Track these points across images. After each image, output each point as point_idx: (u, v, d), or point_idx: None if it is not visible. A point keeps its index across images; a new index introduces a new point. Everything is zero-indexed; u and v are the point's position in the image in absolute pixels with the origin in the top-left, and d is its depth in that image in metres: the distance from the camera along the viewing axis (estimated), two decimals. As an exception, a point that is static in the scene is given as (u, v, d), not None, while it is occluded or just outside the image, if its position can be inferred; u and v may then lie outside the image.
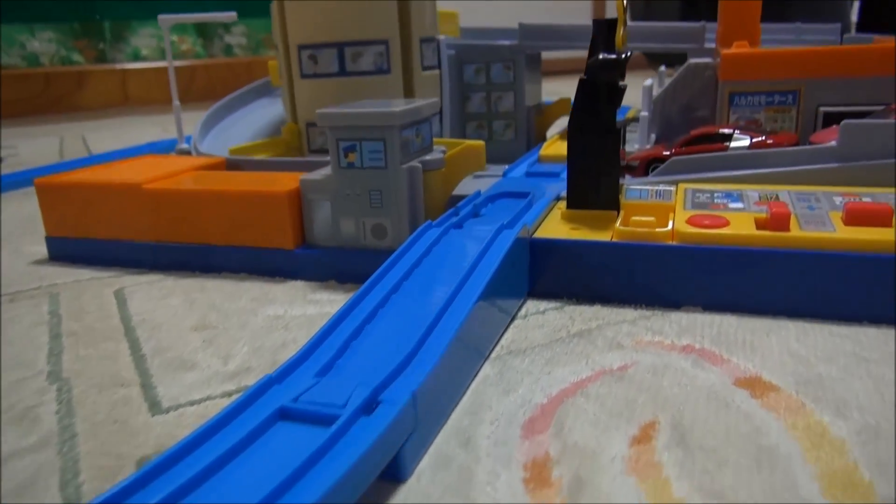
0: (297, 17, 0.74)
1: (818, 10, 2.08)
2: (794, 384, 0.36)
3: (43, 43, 2.62)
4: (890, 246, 0.42)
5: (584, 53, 0.53)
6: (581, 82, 0.51)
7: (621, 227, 0.48)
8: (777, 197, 0.51)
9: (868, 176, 0.52)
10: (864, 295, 0.43)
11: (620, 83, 0.52)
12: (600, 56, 0.50)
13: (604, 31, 0.50)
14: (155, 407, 0.37)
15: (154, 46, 2.75)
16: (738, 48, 0.66)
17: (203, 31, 2.73)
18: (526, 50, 0.88)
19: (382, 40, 0.72)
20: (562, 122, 0.97)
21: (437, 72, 0.85)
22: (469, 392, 0.37)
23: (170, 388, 0.39)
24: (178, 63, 2.68)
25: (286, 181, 0.58)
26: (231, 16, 0.80)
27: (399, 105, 0.54)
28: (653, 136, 0.74)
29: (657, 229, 0.47)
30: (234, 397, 0.35)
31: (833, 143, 0.53)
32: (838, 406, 0.34)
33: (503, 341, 0.43)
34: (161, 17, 0.78)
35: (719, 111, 0.65)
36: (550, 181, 0.65)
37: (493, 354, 0.41)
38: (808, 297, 0.44)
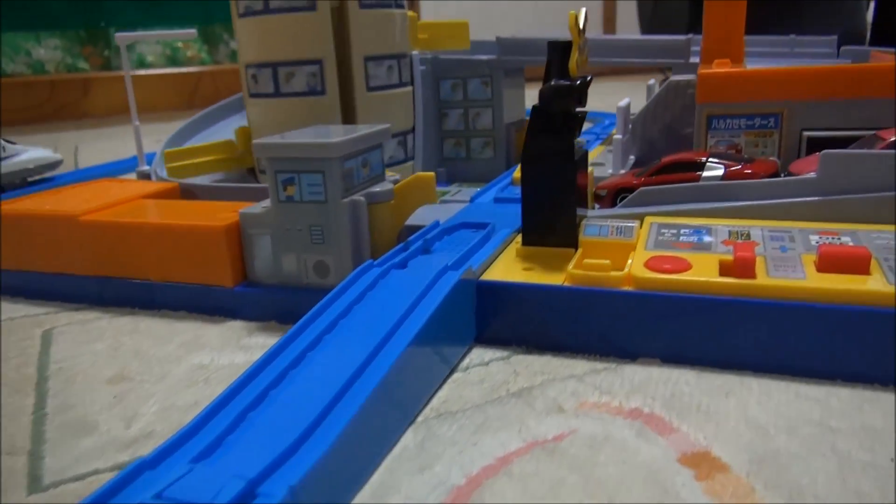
0: (242, 36, 0.71)
1: (831, 12, 2.03)
2: (747, 462, 0.32)
3: (48, 50, 2.62)
4: (864, 297, 0.38)
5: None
6: (533, 110, 0.47)
7: (573, 270, 0.44)
8: (748, 235, 0.46)
9: (851, 211, 0.47)
10: (836, 351, 0.38)
11: (578, 110, 0.48)
12: (552, 83, 0.46)
13: (558, 54, 0.46)
14: (35, 483, 0.33)
15: (160, 53, 2.74)
16: (718, 67, 0.62)
17: (208, 36, 2.72)
18: (504, 65, 0.84)
19: (315, 60, 0.69)
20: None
21: (409, 89, 0.82)
22: (382, 467, 0.33)
23: (59, 458, 0.35)
24: (183, 70, 2.68)
25: (227, 214, 0.54)
26: (191, 33, 0.77)
27: (339, 134, 0.50)
28: (631, 159, 0.70)
29: (612, 273, 0.43)
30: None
31: (812, 174, 0.48)
32: (791, 494, 0.30)
33: (435, 400, 0.39)
34: (118, 35, 0.75)
35: (697, 135, 0.60)
36: (518, 208, 0.61)
37: (421, 417, 0.37)
38: (775, 351, 0.40)
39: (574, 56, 0.45)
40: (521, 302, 0.45)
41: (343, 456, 0.31)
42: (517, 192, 0.72)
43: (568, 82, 0.45)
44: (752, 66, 0.77)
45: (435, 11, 2.92)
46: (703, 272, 0.42)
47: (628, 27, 3.04)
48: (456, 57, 0.87)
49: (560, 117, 0.46)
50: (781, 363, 0.40)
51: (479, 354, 0.45)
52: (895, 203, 0.46)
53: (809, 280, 0.39)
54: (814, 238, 0.45)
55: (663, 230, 0.49)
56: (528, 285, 0.45)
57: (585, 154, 0.51)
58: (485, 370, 0.42)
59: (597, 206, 0.59)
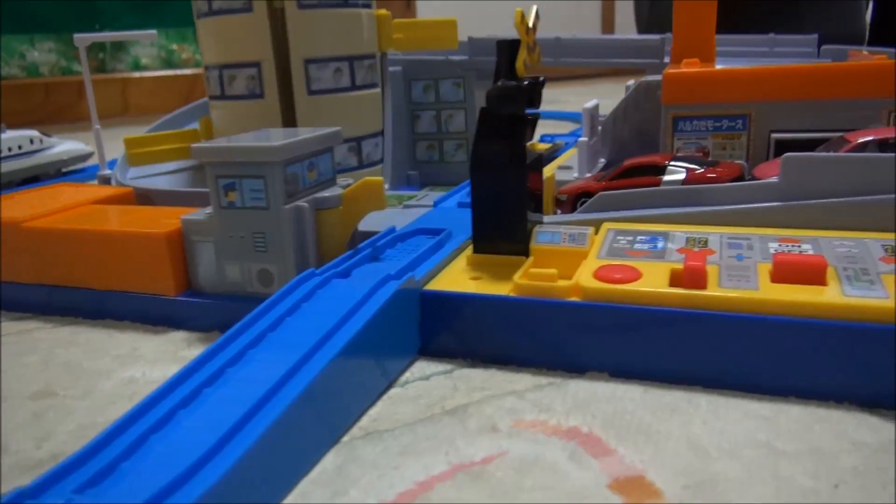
0: (199, 37, 0.70)
1: (830, 14, 2.00)
2: (681, 488, 0.30)
3: (43, 53, 2.61)
4: (816, 309, 0.36)
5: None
6: (481, 112, 0.45)
7: (519, 280, 0.42)
8: (706, 242, 0.44)
9: (814, 217, 0.45)
10: (788, 366, 0.36)
11: (530, 112, 0.46)
12: (499, 84, 0.44)
13: (505, 54, 0.44)
14: (-73, 508, 0.31)
15: (154, 55, 2.73)
16: (686, 66, 0.60)
17: (204, 38, 2.70)
18: (476, 65, 0.82)
19: (253, 63, 0.67)
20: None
21: (366, 92, 0.80)
22: (295, 492, 0.31)
23: (-41, 481, 0.33)
24: (178, 72, 2.67)
25: (172, 220, 0.52)
26: (151, 34, 0.75)
27: (283, 138, 0.48)
28: (602, 162, 0.68)
29: (558, 283, 0.41)
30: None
31: (775, 178, 0.46)
32: (724, 525, 0.28)
33: (365, 418, 0.37)
34: (77, 36, 0.73)
35: (663, 138, 0.58)
36: None
37: (347, 437, 0.35)
38: (725, 366, 0.38)
39: (522, 56, 0.43)
40: (466, 313, 0.43)
41: (247, 481, 0.29)
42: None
43: (514, 83, 0.43)
44: (726, 66, 0.75)
45: (435, 12, 2.91)
46: (652, 282, 0.40)
47: (628, 28, 3.03)
48: (427, 58, 0.85)
49: (509, 120, 0.44)
50: (733, 379, 0.38)
51: (421, 368, 0.43)
52: (864, 208, 0.44)
53: (761, 291, 0.37)
54: (773, 246, 0.43)
55: (619, 237, 0.47)
56: (472, 296, 0.43)
57: (539, 157, 0.49)
58: (424, 385, 0.40)
59: (559, 211, 0.57)
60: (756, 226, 0.46)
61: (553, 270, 0.41)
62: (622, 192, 0.50)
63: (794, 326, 0.36)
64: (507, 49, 0.44)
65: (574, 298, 0.41)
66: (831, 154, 0.45)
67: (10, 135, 0.99)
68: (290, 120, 0.68)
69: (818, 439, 0.33)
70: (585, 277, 0.41)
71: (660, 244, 0.45)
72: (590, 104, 0.62)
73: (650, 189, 0.50)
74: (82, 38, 0.73)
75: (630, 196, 0.50)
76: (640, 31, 2.52)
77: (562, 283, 0.41)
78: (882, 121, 0.52)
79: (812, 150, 0.51)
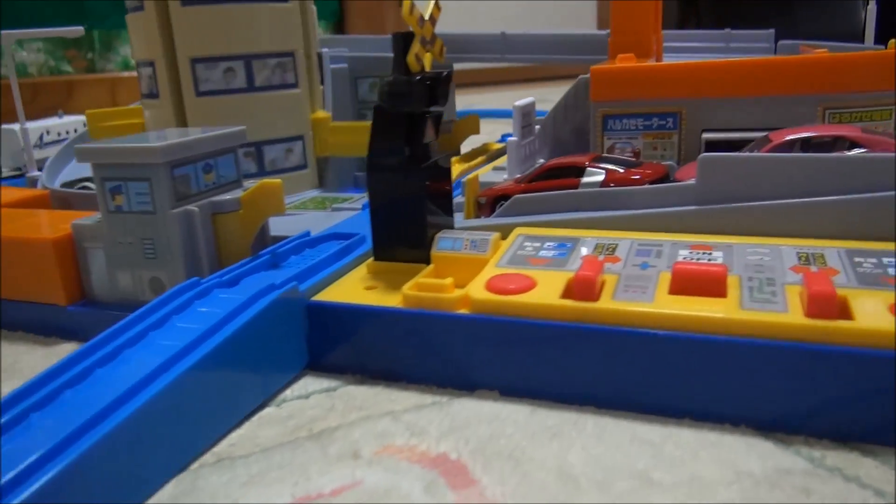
0: None
1: (825, 12, 1.97)
2: (537, 527, 0.27)
3: (31, 53, 2.59)
4: (710, 324, 0.33)
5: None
6: (375, 109, 0.42)
7: (408, 291, 0.39)
8: (615, 249, 0.41)
9: (731, 221, 0.42)
10: (681, 386, 0.33)
11: (430, 110, 0.44)
12: (389, 79, 0.41)
13: (399, 47, 0.41)
14: None
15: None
16: (621, 62, 0.57)
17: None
18: (422, 63, 0.79)
19: (149, 61, 0.64)
20: (473, 141, 0.88)
21: (291, 92, 0.77)
22: (118, 529, 0.28)
23: None
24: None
25: (65, 225, 0.49)
26: (77, 31, 0.72)
27: (173, 138, 0.45)
28: (539, 162, 0.65)
29: (446, 294, 0.38)
30: None
31: (692, 180, 0.43)
32: (569, 571, 0.25)
33: (223, 442, 0.34)
34: (4, 32, 0.71)
35: (593, 137, 0.55)
36: None
37: (196, 464, 0.33)
38: (617, 385, 0.35)
39: (413, 50, 0.40)
40: (354, 326, 0.40)
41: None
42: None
43: (405, 79, 0.40)
44: (668, 62, 0.72)
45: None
46: (544, 293, 0.37)
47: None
48: (372, 55, 0.82)
49: (404, 118, 0.42)
50: (625, 399, 0.35)
51: (305, 384, 0.40)
52: (782, 212, 0.41)
53: (655, 303, 0.34)
54: (683, 253, 0.40)
55: (527, 243, 0.44)
56: (359, 307, 0.40)
57: (446, 157, 0.46)
58: (300, 405, 0.38)
59: (482, 216, 0.54)
60: (673, 231, 0.43)
61: (443, 280, 0.38)
62: (537, 195, 0.47)
63: (686, 342, 0.33)
64: (401, 42, 0.41)
65: (463, 311, 0.38)
66: (748, 154, 0.41)
67: (69, 119, 1.06)
68: (182, 122, 0.65)
69: (701, 468, 0.30)
70: (476, 288, 0.38)
71: (566, 251, 0.42)
72: (522, 102, 0.59)
73: (565, 192, 0.47)
74: (9, 35, 0.71)
75: (545, 199, 0.47)
76: None
77: (450, 294, 0.38)
78: (818, 117, 0.49)
79: (738, 147, 0.49)
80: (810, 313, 0.32)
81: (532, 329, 0.36)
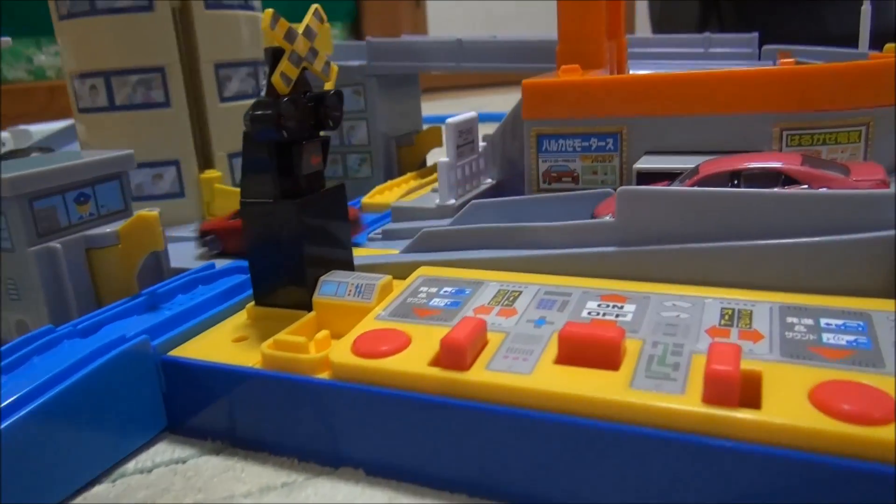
0: (64, 42, 0.66)
1: (852, 10, 1.87)
2: None
3: (49, 56, 2.59)
4: (589, 407, 0.27)
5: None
6: (244, 136, 0.37)
7: (266, 350, 0.34)
8: (515, 298, 0.36)
9: (654, 266, 0.36)
10: (561, 474, 0.28)
11: (323, 133, 0.38)
12: (255, 101, 0.35)
13: (270, 65, 0.36)
14: None
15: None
16: (563, 74, 0.51)
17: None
18: (376, 70, 0.74)
19: (156, 68, 0.61)
20: (437, 154, 0.82)
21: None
22: None
23: None
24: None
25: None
26: (5, 41, 0.68)
27: (34, 166, 0.41)
28: (487, 182, 0.59)
29: (304, 356, 0.33)
30: None
31: (610, 217, 0.37)
32: None
33: (27, 533, 0.29)
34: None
35: (527, 159, 0.49)
36: None
37: (-18, 563, 0.28)
38: (487, 470, 0.29)
39: (281, 67, 0.35)
40: (211, 387, 0.35)
41: None
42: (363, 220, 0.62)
43: (270, 101, 0.35)
44: (637, 71, 0.65)
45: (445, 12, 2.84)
46: (413, 358, 0.31)
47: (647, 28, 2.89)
48: (339, 62, 0.76)
49: (274, 147, 0.36)
50: (498, 486, 0.29)
51: (155, 453, 0.35)
52: (709, 255, 0.35)
53: (532, 377, 0.29)
54: (591, 305, 0.34)
55: (423, 288, 0.38)
56: (214, 367, 0.35)
57: (340, 187, 0.41)
58: (137, 481, 0.33)
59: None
60: (593, 273, 0.37)
61: (300, 339, 0.33)
62: (447, 228, 0.42)
63: (561, 426, 0.27)
64: (271, 59, 0.36)
65: (324, 375, 0.32)
66: (671, 189, 0.35)
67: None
68: (201, 131, 0.62)
69: None
70: (339, 349, 0.32)
71: (461, 299, 0.36)
72: (457, 118, 0.53)
73: (477, 227, 0.41)
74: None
75: (454, 234, 0.41)
76: (654, 31, 2.43)
77: (309, 355, 0.33)
78: (774, 139, 0.42)
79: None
80: (707, 398, 0.26)
81: (395, 401, 0.30)
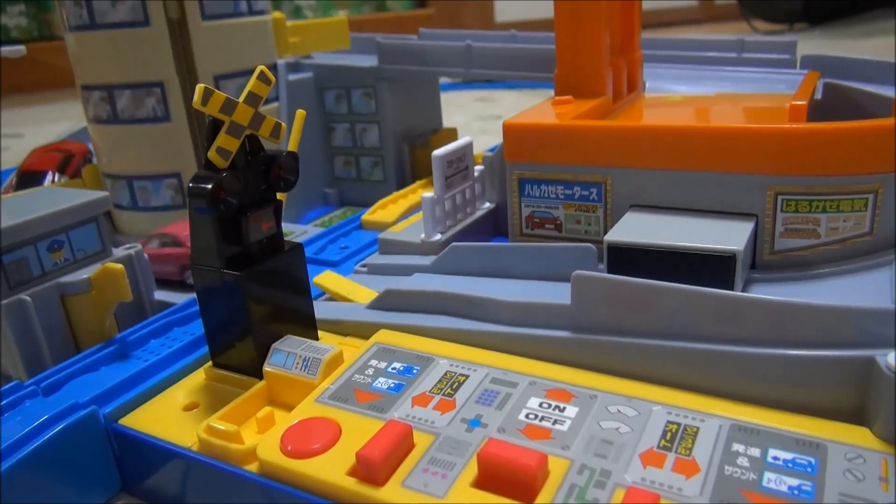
0: (73, 51, 0.66)
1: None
2: None
3: (14, 17, 2.47)
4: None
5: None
6: (189, 206, 0.36)
7: (201, 434, 0.33)
8: (459, 385, 0.34)
9: (607, 359, 0.33)
10: None
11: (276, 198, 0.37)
12: (196, 174, 0.34)
13: (208, 138, 0.34)
14: None
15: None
16: (556, 106, 0.47)
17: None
18: (386, 73, 0.72)
19: (155, 83, 0.62)
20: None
21: (274, 105, 0.71)
22: None
23: None
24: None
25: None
26: (18, 50, 0.69)
27: (9, 217, 0.41)
28: (486, 206, 0.57)
29: (233, 446, 0.32)
30: None
31: (566, 301, 0.35)
32: None
33: None
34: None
35: (509, 202, 0.46)
36: (339, 273, 0.50)
37: None
38: (398, 593, 0.28)
39: (218, 142, 0.34)
40: (155, 460, 0.35)
41: None
42: (359, 241, 0.61)
43: (206, 175, 0.34)
44: (656, 86, 0.61)
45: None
46: (334, 461, 0.30)
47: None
48: (334, 63, 0.74)
49: (216, 221, 0.35)
50: None
51: (104, 519, 0.36)
52: (658, 353, 0.32)
53: (446, 501, 0.27)
54: (533, 404, 0.32)
55: (373, 361, 0.37)
56: (153, 442, 0.35)
57: (297, 247, 0.39)
58: (78, 555, 0.34)
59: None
60: (545, 356, 0.35)
61: (231, 428, 0.33)
62: (408, 289, 0.40)
63: (464, 567, 0.26)
64: (210, 131, 0.34)
65: (252, 467, 0.32)
66: (627, 279, 0.32)
67: None
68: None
69: None
70: (267, 443, 0.32)
71: (406, 381, 0.35)
72: (446, 148, 0.50)
73: (434, 290, 0.39)
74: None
75: (415, 295, 0.40)
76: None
77: (238, 445, 0.32)
78: (767, 202, 0.38)
79: (661, 260, 0.38)
80: (609, 561, 0.24)
81: (310, 508, 0.30)
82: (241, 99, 0.34)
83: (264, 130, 0.36)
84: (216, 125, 0.34)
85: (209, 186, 0.33)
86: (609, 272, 0.39)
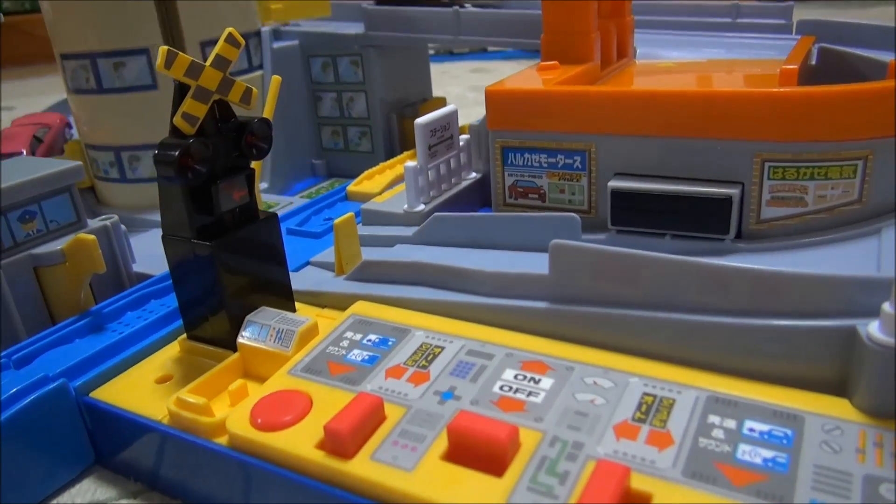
0: (51, 20, 0.62)
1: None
2: None
3: None
4: (457, 525, 0.25)
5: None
6: (157, 177, 0.35)
7: (171, 406, 0.33)
8: (434, 356, 0.33)
9: (585, 329, 0.33)
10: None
11: (243, 167, 0.36)
12: (163, 140, 0.33)
13: (174, 102, 0.33)
14: None
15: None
16: (541, 72, 0.46)
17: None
18: (374, 41, 0.70)
19: (141, 49, 0.60)
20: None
21: (259, 73, 0.70)
22: None
23: None
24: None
25: None
26: (-5, 17, 0.67)
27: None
28: (472, 176, 0.56)
29: (203, 419, 0.32)
30: None
31: (545, 271, 0.34)
32: None
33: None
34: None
35: (493, 173, 0.45)
36: (313, 246, 0.50)
37: None
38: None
39: (184, 107, 0.33)
40: (127, 433, 0.35)
41: None
42: (339, 216, 0.59)
43: (172, 142, 0.33)
44: (647, 52, 0.59)
45: None
46: (303, 434, 0.30)
47: None
48: (320, 30, 0.73)
49: (184, 188, 0.34)
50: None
51: (78, 493, 0.35)
52: (640, 323, 0.31)
53: (412, 476, 0.27)
54: (508, 376, 0.31)
55: (348, 333, 0.36)
56: (124, 415, 0.34)
57: (271, 217, 0.38)
58: (50, 528, 0.33)
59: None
60: (522, 328, 0.34)
61: (202, 401, 0.32)
62: (387, 260, 0.39)
63: (432, 540, 0.25)
64: (177, 95, 0.33)
65: (221, 440, 0.31)
66: (606, 248, 0.31)
67: None
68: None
69: None
70: (236, 416, 0.31)
71: (381, 353, 0.34)
72: (429, 116, 0.49)
73: (412, 261, 0.38)
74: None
75: (393, 266, 0.39)
76: None
77: (208, 418, 0.32)
78: (754, 169, 0.37)
79: (661, 204, 0.38)
80: (577, 534, 0.23)
81: (281, 479, 0.29)
82: (208, 62, 0.33)
83: (234, 95, 0.35)
84: (182, 90, 0.33)
85: (175, 153, 0.32)
86: (612, 217, 0.40)
